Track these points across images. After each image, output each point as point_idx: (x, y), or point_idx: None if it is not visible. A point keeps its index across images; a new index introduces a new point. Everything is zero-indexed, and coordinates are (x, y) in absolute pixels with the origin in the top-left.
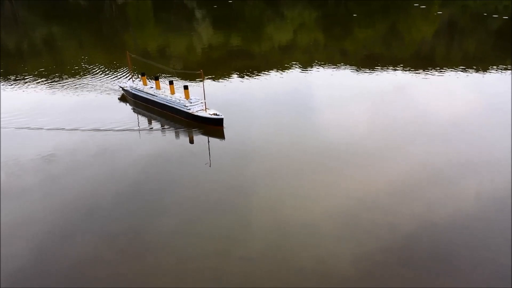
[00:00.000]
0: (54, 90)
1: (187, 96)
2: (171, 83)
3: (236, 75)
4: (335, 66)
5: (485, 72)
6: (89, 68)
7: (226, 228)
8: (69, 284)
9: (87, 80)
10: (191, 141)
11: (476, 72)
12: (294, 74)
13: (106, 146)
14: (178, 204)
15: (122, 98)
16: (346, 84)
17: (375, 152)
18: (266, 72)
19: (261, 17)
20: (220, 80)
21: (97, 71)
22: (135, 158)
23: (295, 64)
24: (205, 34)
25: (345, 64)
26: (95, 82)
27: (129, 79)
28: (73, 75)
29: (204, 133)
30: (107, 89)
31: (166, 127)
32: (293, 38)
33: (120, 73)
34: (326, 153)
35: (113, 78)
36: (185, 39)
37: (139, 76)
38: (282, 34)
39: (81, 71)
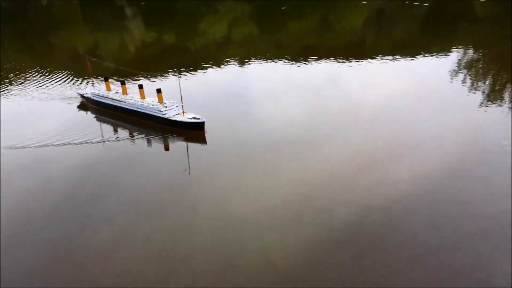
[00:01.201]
0: None
1: (160, 100)
2: (140, 87)
3: (172, 72)
4: (271, 59)
5: (413, 58)
6: (24, 75)
7: (167, 228)
8: None
9: (22, 87)
10: (167, 148)
11: (404, 58)
12: (232, 69)
13: (66, 163)
14: (122, 211)
15: (82, 106)
16: (283, 76)
17: (313, 142)
18: (203, 68)
19: (194, 12)
20: (157, 78)
21: (33, 78)
22: (102, 171)
23: (232, 58)
24: (137, 31)
25: (281, 56)
26: (35, 89)
27: (90, 86)
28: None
29: (182, 139)
30: (52, 96)
31: (136, 135)
32: (228, 33)
33: (59, 78)
34: (266, 145)
35: (54, 84)
36: (116, 37)
37: (94, 81)
38: (216, 29)
39: (14, 78)
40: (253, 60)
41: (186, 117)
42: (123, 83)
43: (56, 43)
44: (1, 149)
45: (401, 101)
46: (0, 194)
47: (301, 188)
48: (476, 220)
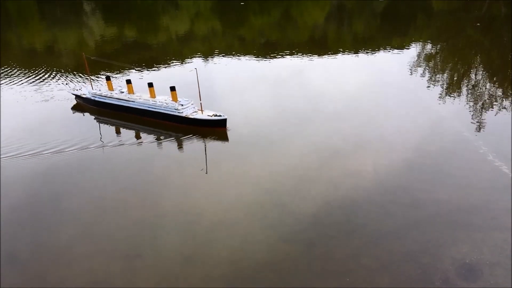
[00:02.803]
0: None
1: (174, 99)
2: (150, 85)
3: (135, 68)
4: (235, 54)
5: (374, 52)
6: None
7: (133, 229)
8: None
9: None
10: (180, 147)
11: (365, 53)
12: (196, 64)
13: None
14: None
15: (77, 108)
16: (247, 71)
17: (277, 137)
18: (166, 64)
19: (155, 7)
20: (118, 74)
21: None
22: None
23: (196, 54)
24: (96, 27)
25: (245, 51)
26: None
27: (86, 86)
28: None
29: (200, 137)
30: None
31: (154, 136)
32: (190, 28)
33: (26, 78)
34: (232, 141)
35: (29, 83)
36: (75, 33)
37: (88, 79)
38: (178, 24)
39: None
40: (217, 55)
41: (206, 115)
42: (129, 82)
43: (12, 40)
44: None
45: (363, 95)
46: None
47: (264, 184)
48: (426, 207)
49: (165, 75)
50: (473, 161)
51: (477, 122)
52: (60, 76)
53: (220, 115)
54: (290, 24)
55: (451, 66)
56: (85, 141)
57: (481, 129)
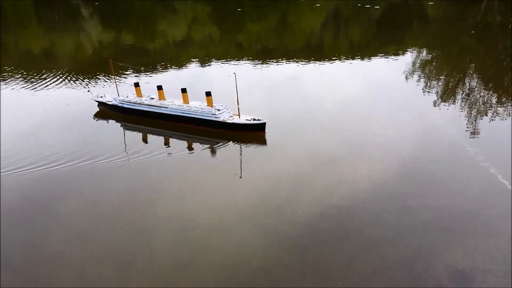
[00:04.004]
0: None
1: (209, 104)
2: (184, 91)
3: (132, 73)
4: (232, 60)
5: (370, 59)
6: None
7: (126, 232)
8: None
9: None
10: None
11: (361, 59)
12: (193, 70)
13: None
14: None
15: (100, 115)
16: (244, 77)
17: (273, 142)
18: (163, 69)
19: (153, 12)
20: (117, 78)
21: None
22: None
23: (193, 59)
24: (94, 32)
25: (242, 57)
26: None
27: (109, 93)
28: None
29: (239, 143)
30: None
31: (198, 142)
32: (187, 33)
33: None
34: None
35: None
36: (73, 38)
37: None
38: (176, 30)
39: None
40: (214, 60)
41: (244, 119)
42: (160, 88)
43: (9, 44)
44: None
45: (359, 101)
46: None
47: (261, 188)
48: (419, 213)
49: (160, 79)
50: (467, 167)
51: (471, 129)
52: (70, 80)
53: (259, 119)
54: (287, 30)
55: (446, 73)
56: (112, 150)
57: (476, 136)
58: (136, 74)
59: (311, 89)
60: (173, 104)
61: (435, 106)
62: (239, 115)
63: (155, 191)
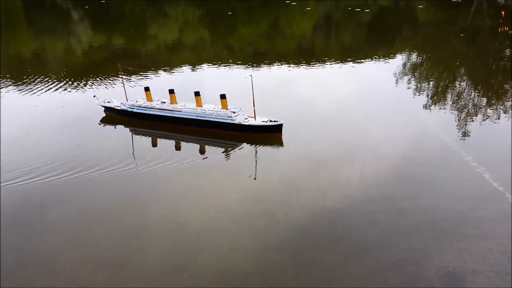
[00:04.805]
0: None
1: (224, 106)
2: (197, 94)
3: (124, 76)
4: (223, 64)
5: (361, 62)
6: None
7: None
8: None
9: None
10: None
11: (352, 63)
12: (185, 74)
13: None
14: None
15: (106, 120)
16: (236, 80)
17: (265, 144)
18: (154, 72)
19: (144, 15)
20: (108, 82)
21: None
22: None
23: (184, 63)
24: (84, 35)
25: (233, 61)
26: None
27: (117, 98)
28: None
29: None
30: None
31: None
32: (179, 37)
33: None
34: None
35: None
36: (63, 41)
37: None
38: (167, 33)
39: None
40: (206, 64)
41: (261, 121)
42: (172, 92)
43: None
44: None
45: (350, 104)
46: None
47: (253, 191)
48: (411, 216)
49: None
50: (457, 170)
51: (462, 131)
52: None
53: (275, 121)
54: (278, 34)
55: (436, 76)
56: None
57: (466, 137)
58: (130, 78)
59: (302, 92)
60: (186, 107)
61: (425, 109)
62: (254, 117)
63: (176, 199)
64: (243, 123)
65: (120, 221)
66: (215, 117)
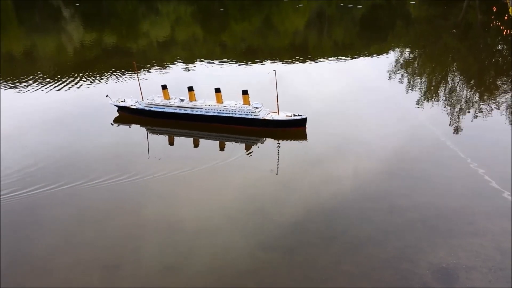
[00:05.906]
0: None
1: (246, 102)
2: (217, 90)
3: (116, 73)
4: (216, 61)
5: (353, 58)
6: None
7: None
8: None
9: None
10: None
11: (345, 59)
12: (177, 70)
13: None
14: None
15: (120, 120)
16: (229, 77)
17: (258, 141)
18: (147, 69)
19: (135, 13)
20: (99, 79)
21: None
22: None
23: (177, 60)
24: (75, 33)
25: (226, 58)
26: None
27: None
28: None
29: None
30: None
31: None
32: (171, 34)
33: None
34: (214, 146)
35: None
36: (54, 39)
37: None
38: (159, 30)
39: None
40: (198, 61)
41: (285, 115)
42: (191, 89)
43: None
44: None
45: (343, 100)
46: None
47: (245, 189)
48: (404, 213)
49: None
50: (450, 166)
51: (454, 127)
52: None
53: (300, 115)
54: (271, 31)
55: (428, 71)
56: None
57: (459, 133)
58: (127, 75)
59: (295, 89)
60: (206, 104)
61: (418, 105)
62: (278, 112)
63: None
64: (267, 118)
65: (114, 221)
66: (238, 113)
